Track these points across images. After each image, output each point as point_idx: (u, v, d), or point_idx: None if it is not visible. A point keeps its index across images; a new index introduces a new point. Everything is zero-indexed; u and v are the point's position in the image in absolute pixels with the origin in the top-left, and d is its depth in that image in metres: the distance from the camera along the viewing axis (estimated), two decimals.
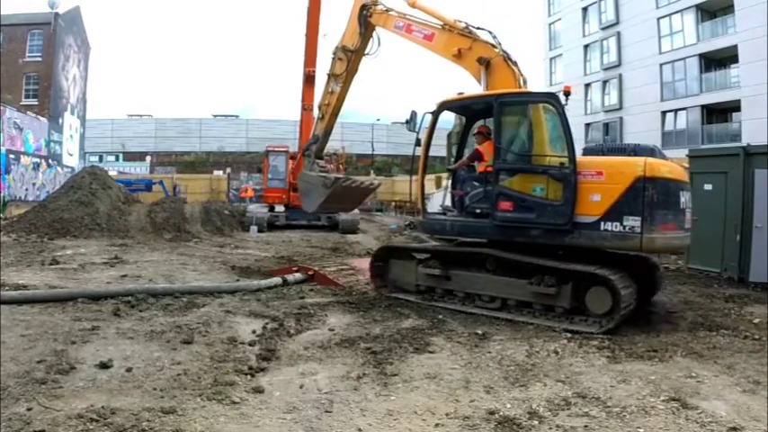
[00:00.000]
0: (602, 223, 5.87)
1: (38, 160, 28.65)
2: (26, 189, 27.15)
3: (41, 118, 29.24)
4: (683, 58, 28.07)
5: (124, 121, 54.08)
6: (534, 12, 60.30)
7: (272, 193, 19.57)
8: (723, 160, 9.72)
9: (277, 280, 7.89)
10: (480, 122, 7.76)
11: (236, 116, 56.59)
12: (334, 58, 9.48)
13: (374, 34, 9.01)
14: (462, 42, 7.42)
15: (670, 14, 28.92)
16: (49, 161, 30.13)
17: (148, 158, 49.84)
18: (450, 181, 7.93)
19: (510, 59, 7.14)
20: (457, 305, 6.81)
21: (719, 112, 27.17)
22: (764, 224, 8.63)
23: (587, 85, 35.36)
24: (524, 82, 7.16)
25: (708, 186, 9.72)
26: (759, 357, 4.95)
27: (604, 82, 33.82)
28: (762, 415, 3.65)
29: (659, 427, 3.46)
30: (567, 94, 6.81)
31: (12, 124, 25.69)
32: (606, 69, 33.42)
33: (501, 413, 3.62)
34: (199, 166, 48.37)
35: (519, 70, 7.13)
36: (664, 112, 29.25)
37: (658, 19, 29.53)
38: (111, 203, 16.15)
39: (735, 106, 25.69)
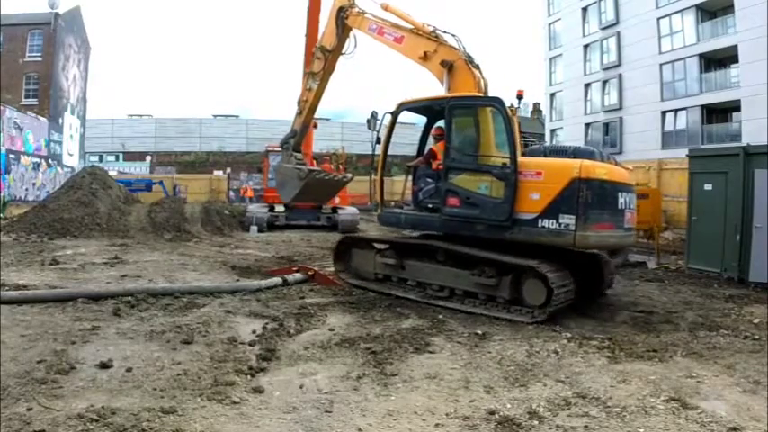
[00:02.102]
0: (540, 220, 6.23)
1: (38, 160, 28.64)
2: (26, 189, 27.14)
3: (41, 118, 29.23)
4: (683, 58, 28.02)
5: (124, 121, 53.98)
6: (534, 12, 60.29)
7: (272, 193, 19.56)
8: (723, 160, 9.72)
9: (277, 280, 7.88)
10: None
11: (236, 116, 56.55)
12: (313, 57, 9.92)
13: (351, 35, 9.39)
14: (428, 46, 7.80)
15: (670, 14, 28.87)
16: (49, 161, 30.11)
17: (148, 158, 49.81)
18: (411, 177, 8.30)
19: (472, 63, 7.49)
20: (410, 294, 7.26)
21: (719, 112, 27.13)
22: (764, 224, 8.64)
23: (587, 85, 35.34)
24: (485, 85, 7.47)
25: (708, 186, 9.73)
26: (759, 357, 4.95)
27: (604, 82, 33.77)
28: (762, 415, 3.65)
29: (659, 427, 3.47)
30: (519, 97, 7.39)
31: (12, 124, 25.68)
32: (606, 69, 33.38)
33: (501, 413, 3.62)
34: (199, 166, 48.33)
35: (480, 74, 7.48)
36: (664, 112, 29.22)
37: (658, 19, 29.50)
38: (111, 203, 16.13)
39: (735, 106, 25.66)
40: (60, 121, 32.18)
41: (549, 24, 39.25)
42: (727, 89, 26.14)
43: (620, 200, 6.40)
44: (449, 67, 7.50)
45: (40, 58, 30.73)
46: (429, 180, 7.52)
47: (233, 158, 49.65)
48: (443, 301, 6.89)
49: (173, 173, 41.29)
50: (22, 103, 29.00)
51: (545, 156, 6.89)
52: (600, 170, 6.23)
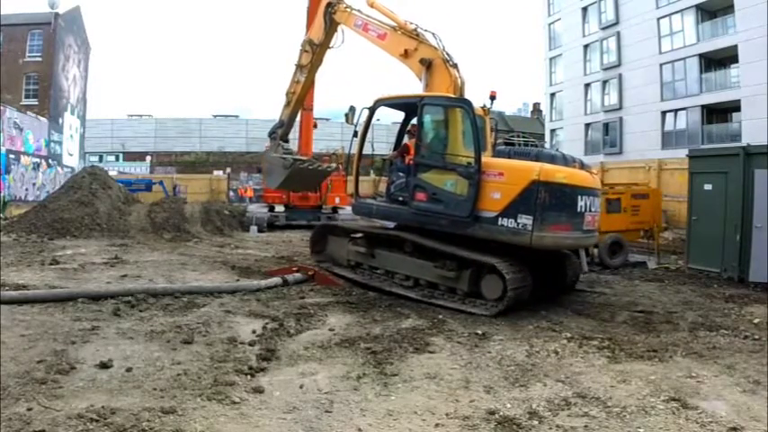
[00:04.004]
0: (500, 219, 6.53)
1: (38, 160, 28.60)
2: (26, 189, 27.12)
3: (41, 118, 29.21)
4: (683, 58, 27.99)
5: (124, 121, 53.88)
6: (534, 12, 60.21)
7: (272, 193, 19.55)
8: (723, 160, 9.72)
9: (277, 280, 7.88)
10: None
11: (236, 116, 56.52)
12: (301, 50, 10.31)
13: (339, 29, 9.76)
14: (409, 43, 8.19)
15: (670, 14, 28.83)
16: (49, 161, 30.08)
17: (148, 158, 49.76)
18: (388, 170, 8.63)
19: (450, 62, 7.81)
20: (376, 282, 7.65)
21: (719, 112, 27.11)
22: (764, 224, 8.63)
23: (587, 85, 35.32)
24: (462, 84, 7.75)
25: (708, 186, 9.73)
26: (759, 357, 4.96)
27: (604, 82, 33.73)
28: (762, 415, 3.66)
29: (659, 427, 3.47)
30: (492, 98, 7.67)
31: (12, 124, 25.66)
32: (606, 69, 33.35)
33: (501, 413, 3.62)
34: (199, 166, 48.27)
35: (458, 73, 7.78)
36: (664, 112, 29.19)
37: (658, 19, 29.47)
38: (111, 203, 16.09)
39: (735, 106, 25.64)
40: (60, 121, 32.17)
41: (549, 24, 39.21)
42: (728, 89, 26.12)
43: (580, 203, 6.60)
44: (427, 65, 7.81)
45: (40, 58, 30.71)
46: (401, 174, 7.83)
47: (233, 158, 49.61)
48: (406, 290, 7.22)
49: (173, 173, 41.19)
50: (22, 103, 28.99)
51: (509, 157, 7.19)
52: (559, 174, 6.50)
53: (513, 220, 6.41)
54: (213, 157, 50.52)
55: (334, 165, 12.38)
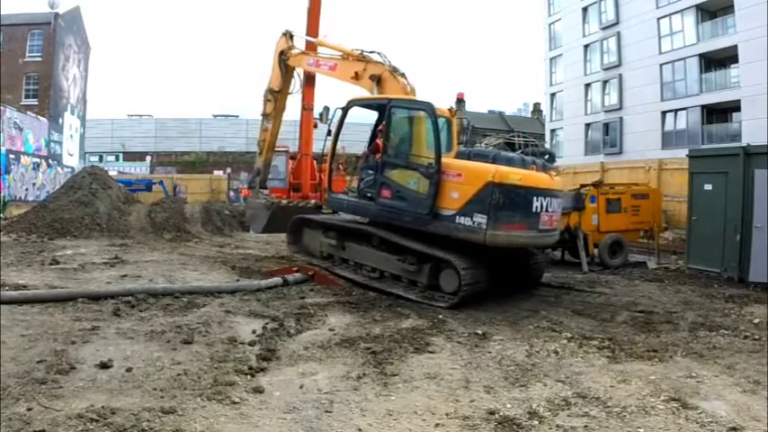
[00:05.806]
0: (458, 217, 6.82)
1: (38, 160, 28.63)
2: (26, 189, 27.14)
3: (41, 118, 29.23)
4: (683, 59, 27.99)
5: (124, 121, 53.83)
6: (534, 12, 60.17)
7: (272, 194, 19.50)
8: (723, 160, 9.72)
9: (277, 280, 7.88)
10: None
11: (236, 116, 56.48)
12: (264, 100, 11.16)
13: (294, 74, 10.73)
14: (358, 66, 8.82)
15: (670, 14, 28.81)
16: (49, 161, 30.11)
17: (148, 158, 49.72)
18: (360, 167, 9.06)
19: (397, 72, 8.35)
20: (349, 273, 8.04)
21: (719, 112, 27.10)
22: (764, 224, 8.63)
23: (587, 85, 35.30)
24: (412, 90, 8.28)
25: (708, 186, 9.73)
26: (759, 357, 4.96)
27: (604, 82, 33.71)
28: (762, 415, 3.66)
29: (659, 427, 3.47)
30: (459, 100, 8.16)
31: (12, 124, 25.67)
32: (606, 69, 33.33)
33: (501, 413, 3.62)
34: (199, 166, 48.25)
35: (407, 81, 8.36)
36: (664, 112, 29.17)
37: (658, 19, 29.45)
38: (111, 203, 16.08)
39: (735, 106, 25.63)
40: (60, 121, 32.18)
41: (550, 24, 39.17)
42: (728, 89, 26.11)
43: (536, 203, 6.81)
44: (377, 80, 8.37)
45: (40, 58, 30.73)
46: (370, 171, 8.15)
47: (233, 158, 49.57)
48: (376, 282, 7.60)
49: (173, 173, 41.18)
50: (22, 103, 29.01)
51: (469, 159, 7.42)
52: (514, 176, 6.73)
53: (469, 219, 6.69)
54: (213, 157, 50.45)
55: (313, 201, 13.00)
